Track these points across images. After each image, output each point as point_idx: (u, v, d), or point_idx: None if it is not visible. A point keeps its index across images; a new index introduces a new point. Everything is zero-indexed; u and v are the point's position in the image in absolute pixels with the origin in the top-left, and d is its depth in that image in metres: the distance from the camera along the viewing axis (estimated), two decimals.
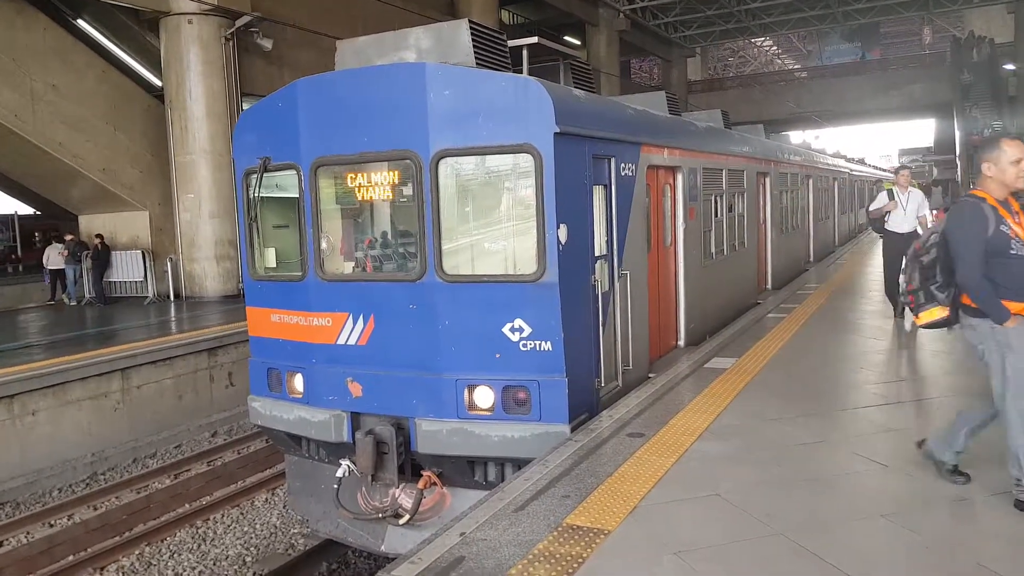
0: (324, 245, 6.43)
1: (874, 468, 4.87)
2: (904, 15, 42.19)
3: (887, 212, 9.95)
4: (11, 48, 15.88)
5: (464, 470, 6.04)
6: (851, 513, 4.22)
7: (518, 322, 5.72)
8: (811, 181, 17.48)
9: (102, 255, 18.16)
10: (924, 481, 4.63)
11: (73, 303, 18.23)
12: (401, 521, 6.17)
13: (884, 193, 10.13)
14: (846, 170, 24.38)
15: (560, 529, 4.12)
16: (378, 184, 6.18)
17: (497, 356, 5.79)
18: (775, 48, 69.70)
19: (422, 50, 6.43)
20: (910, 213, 9.80)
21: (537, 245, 5.68)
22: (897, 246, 9.69)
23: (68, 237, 19.15)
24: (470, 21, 6.40)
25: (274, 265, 7.00)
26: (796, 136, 33.82)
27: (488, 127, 5.67)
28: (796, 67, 64.62)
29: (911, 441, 5.39)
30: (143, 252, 18.45)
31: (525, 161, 5.67)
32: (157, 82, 19.37)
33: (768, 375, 7.30)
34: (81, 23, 19.27)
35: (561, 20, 35.53)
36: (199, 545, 8.32)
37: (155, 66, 19.21)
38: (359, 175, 6.23)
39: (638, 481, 4.74)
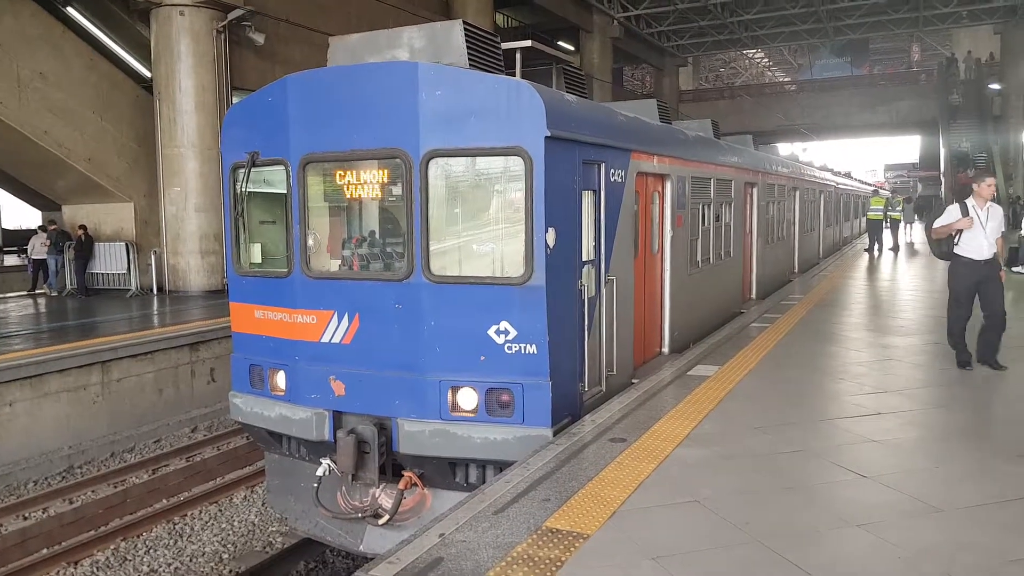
0: (311, 242, 6.40)
1: (852, 478, 4.91)
2: (894, 32, 42.70)
3: (958, 232, 7.52)
4: None
5: (445, 471, 6.03)
6: (828, 522, 4.26)
7: (504, 324, 5.73)
8: (798, 193, 17.64)
9: (85, 246, 17.97)
10: (901, 492, 4.68)
11: (55, 294, 18.03)
12: (381, 521, 6.16)
13: (955, 207, 7.69)
14: (832, 183, 24.62)
15: (539, 532, 4.12)
16: (367, 182, 6.16)
17: (482, 358, 5.79)
18: (766, 60, 70.24)
19: (415, 49, 6.43)
20: (991, 233, 7.46)
21: (525, 248, 5.69)
22: (973, 276, 7.53)
23: (51, 226, 18.94)
24: (464, 22, 6.41)
25: (259, 261, 6.95)
26: (784, 148, 34.06)
27: (479, 128, 5.67)
28: (786, 80, 65.12)
29: (890, 452, 5.46)
30: (127, 244, 18.27)
31: (515, 164, 5.68)
32: (146, 73, 19.23)
33: (750, 384, 7.34)
34: (70, 11, 19.10)
35: (555, 25, 35.63)
36: (176, 541, 8.25)
37: (145, 57, 19.07)
38: (348, 172, 6.20)
39: (618, 486, 4.75)
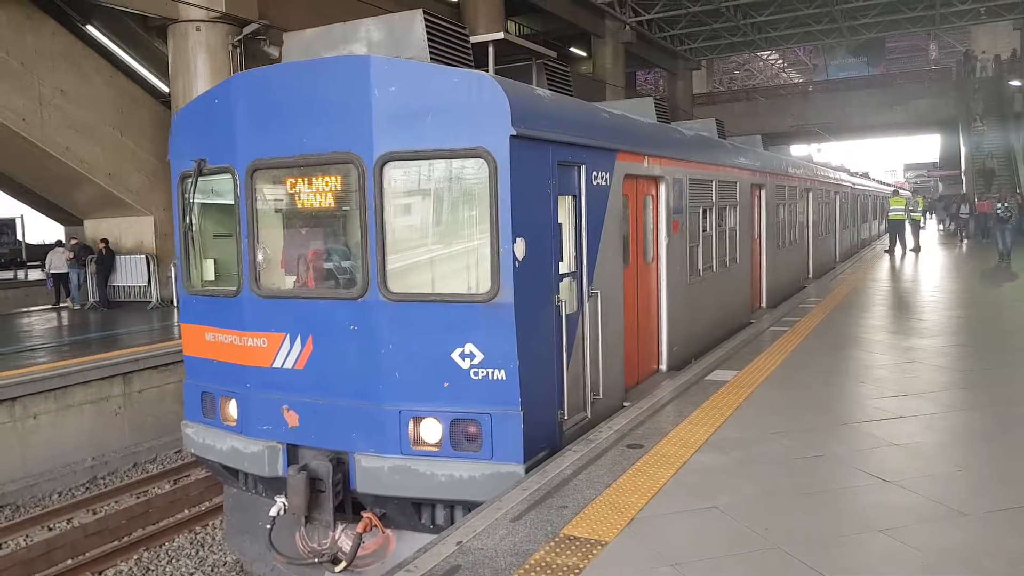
0: (260, 257, 5.83)
1: (874, 483, 4.86)
2: (910, 31, 42.34)
3: None
4: (20, 52, 15.99)
5: (409, 512, 5.45)
6: (850, 528, 4.22)
7: (469, 347, 5.16)
8: (811, 194, 17.32)
9: (106, 259, 18.21)
10: (923, 497, 4.62)
11: (77, 307, 18.27)
12: (338, 568, 5.63)
13: None
14: (848, 184, 24.34)
15: (557, 539, 4.12)
16: (319, 190, 5.58)
17: (445, 385, 5.21)
18: (780, 62, 69.88)
19: (373, 43, 5.86)
20: None
21: (491, 261, 5.11)
22: None
23: (72, 240, 19.22)
24: (425, 12, 5.75)
25: (212, 278, 6.39)
26: (799, 149, 33.87)
27: (438, 128, 5.13)
28: (801, 81, 64.77)
29: (911, 456, 5.40)
30: (147, 257, 18.49)
31: (477, 167, 5.13)
32: (164, 88, 19.48)
33: (769, 389, 7.29)
34: (90, 29, 19.42)
35: (567, 31, 35.68)
36: (197, 551, 8.32)
37: (163, 72, 19.32)
38: (299, 180, 5.64)
39: (636, 493, 4.73)
